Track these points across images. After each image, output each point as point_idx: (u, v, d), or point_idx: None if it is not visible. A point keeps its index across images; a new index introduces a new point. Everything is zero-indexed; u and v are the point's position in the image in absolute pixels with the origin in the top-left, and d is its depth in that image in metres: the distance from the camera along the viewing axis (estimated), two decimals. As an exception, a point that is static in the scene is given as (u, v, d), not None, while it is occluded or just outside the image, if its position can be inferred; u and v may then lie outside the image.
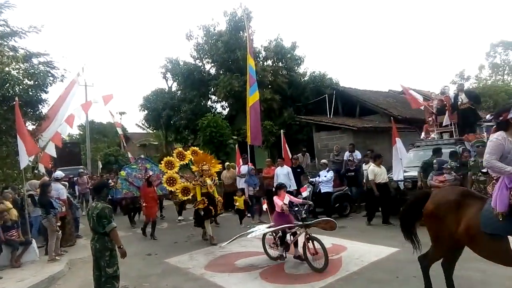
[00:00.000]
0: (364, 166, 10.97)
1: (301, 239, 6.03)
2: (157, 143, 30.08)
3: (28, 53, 9.44)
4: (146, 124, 26.87)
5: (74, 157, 22.12)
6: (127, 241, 8.42)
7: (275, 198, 6.28)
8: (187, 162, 8.70)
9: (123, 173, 10.87)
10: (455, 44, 67.66)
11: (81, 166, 20.65)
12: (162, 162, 8.73)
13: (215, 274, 6.01)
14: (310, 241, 5.77)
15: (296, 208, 6.25)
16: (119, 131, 20.61)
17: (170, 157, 8.79)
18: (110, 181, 12.50)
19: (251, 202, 10.49)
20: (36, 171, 11.66)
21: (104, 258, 4.51)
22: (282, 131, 13.40)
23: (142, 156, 11.78)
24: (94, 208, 4.60)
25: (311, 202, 6.56)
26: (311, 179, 10.57)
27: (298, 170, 11.10)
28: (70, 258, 7.62)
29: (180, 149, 8.78)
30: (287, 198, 6.31)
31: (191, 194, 8.30)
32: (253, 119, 11.26)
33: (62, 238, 8.23)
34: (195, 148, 9.06)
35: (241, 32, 18.80)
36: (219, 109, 21.94)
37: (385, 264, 5.84)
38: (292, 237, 6.21)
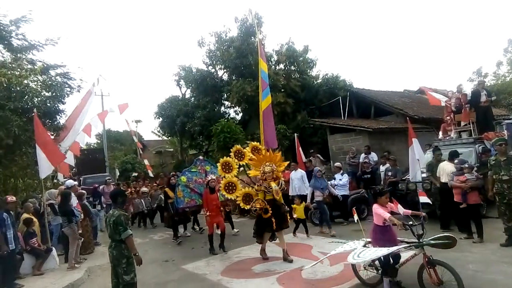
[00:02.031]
0: (382, 168, 10.81)
1: (405, 258, 4.77)
2: (172, 149, 30.39)
3: (45, 65, 9.68)
4: (161, 131, 27.22)
5: (98, 164, 21.65)
6: (144, 248, 8.54)
7: (376, 208, 4.81)
8: (246, 162, 7.15)
9: (183, 178, 9.26)
10: (472, 40, 66.32)
11: (107, 174, 19.90)
12: (218, 164, 7.20)
13: (232, 279, 5.98)
14: (432, 267, 4.42)
15: (411, 222, 4.58)
16: (135, 139, 20.91)
17: (227, 157, 7.19)
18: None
19: (320, 208, 8.98)
20: (55, 180, 11.91)
21: (121, 266, 4.55)
22: (296, 134, 13.34)
23: (201, 157, 10.02)
24: (111, 216, 4.66)
25: (424, 214, 4.91)
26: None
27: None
28: (89, 265, 7.72)
29: (239, 146, 7.24)
30: (401, 208, 4.94)
31: (257, 206, 6.77)
32: (266, 123, 11.23)
33: (82, 246, 8.38)
34: (256, 143, 7.42)
35: (252, 37, 18.91)
36: (232, 115, 22.12)
37: (405, 269, 5.69)
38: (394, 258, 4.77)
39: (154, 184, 13.29)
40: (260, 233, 6.94)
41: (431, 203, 7.79)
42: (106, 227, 4.81)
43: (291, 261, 6.55)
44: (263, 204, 6.64)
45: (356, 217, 5.88)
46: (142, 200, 12.24)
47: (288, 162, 8.20)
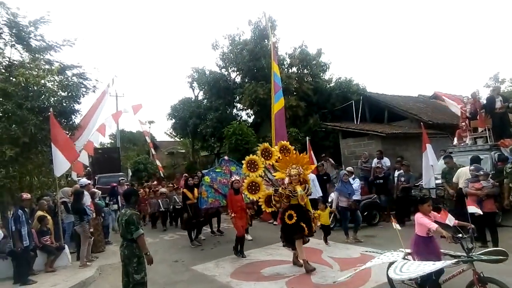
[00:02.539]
0: (395, 173, 10.68)
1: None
2: (184, 151, 30.60)
3: (62, 65, 9.83)
4: (173, 133, 27.45)
5: (113, 163, 20.78)
6: (154, 248, 8.59)
7: (420, 217, 4.46)
8: (272, 162, 6.75)
9: (207, 178, 8.96)
10: (489, 46, 65.09)
11: (121, 173, 19.39)
12: (243, 162, 6.80)
13: (241, 282, 5.98)
14: (483, 285, 4.04)
15: (460, 235, 4.22)
16: (148, 139, 21.09)
17: (253, 155, 6.85)
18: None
19: (343, 215, 8.43)
20: (69, 179, 12.11)
21: (132, 265, 4.59)
22: (307, 138, 13.29)
23: (226, 157, 9.77)
24: (123, 215, 4.72)
25: (473, 226, 4.43)
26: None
27: (325, 177, 10.93)
28: (100, 264, 7.82)
29: (267, 144, 6.83)
30: (451, 218, 4.43)
31: (277, 206, 6.48)
32: (278, 126, 11.22)
33: (93, 244, 8.49)
34: (285, 142, 6.96)
35: (266, 40, 18.95)
36: (244, 117, 22.14)
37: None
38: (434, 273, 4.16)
39: (170, 185, 13.28)
40: (290, 240, 6.42)
41: (481, 213, 7.45)
42: (118, 226, 4.87)
43: (312, 270, 6.08)
44: (291, 217, 6.19)
45: (396, 225, 5.21)
46: (159, 201, 12.13)
47: (315, 166, 7.83)
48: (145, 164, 23.98)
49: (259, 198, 6.57)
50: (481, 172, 6.98)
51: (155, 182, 14.60)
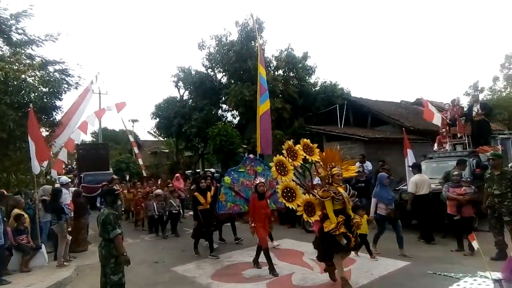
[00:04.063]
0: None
1: None
2: (168, 150, 30.36)
3: (44, 61, 9.66)
4: (157, 132, 27.18)
5: (102, 160, 19.40)
6: (134, 249, 8.48)
7: None
8: (299, 163, 5.76)
9: (227, 179, 7.83)
10: (469, 55, 66.98)
11: (110, 171, 18.25)
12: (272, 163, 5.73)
13: (222, 284, 5.95)
14: None
15: None
16: (131, 138, 20.78)
17: (280, 155, 5.70)
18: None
19: (380, 224, 7.27)
20: (48, 177, 11.83)
21: (109, 265, 4.51)
22: (292, 140, 13.35)
23: (251, 155, 8.46)
24: (101, 215, 4.65)
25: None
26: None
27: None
28: (78, 264, 7.65)
29: (290, 143, 5.87)
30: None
31: (318, 214, 5.32)
32: (263, 128, 11.24)
33: (75, 243, 8.30)
34: (307, 140, 6.03)
35: (252, 42, 19.01)
36: (229, 118, 22.16)
37: (394, 278, 5.70)
38: None
39: (170, 185, 12.02)
40: (329, 254, 5.26)
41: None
42: (98, 226, 4.78)
43: None
44: (341, 228, 4.98)
45: (476, 245, 4.38)
46: (154, 204, 10.40)
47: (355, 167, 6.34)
48: (127, 163, 23.69)
49: (298, 206, 5.36)
50: (464, 178, 7.21)
51: (151, 182, 14.15)
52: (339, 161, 5.71)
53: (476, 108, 10.53)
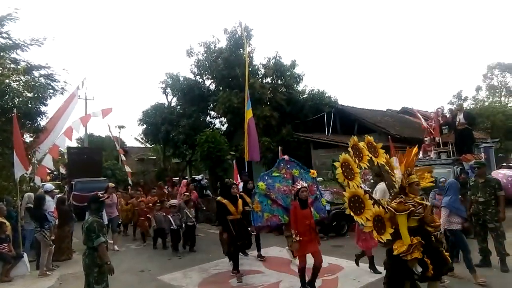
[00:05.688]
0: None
1: None
2: (155, 157, 30.06)
3: (29, 65, 9.51)
4: (144, 138, 26.90)
5: (94, 165, 18.21)
6: (119, 257, 8.33)
7: None
8: (365, 165, 4.61)
9: (262, 185, 6.69)
10: (453, 65, 68.63)
11: (104, 178, 17.05)
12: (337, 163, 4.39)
13: (209, 292, 5.88)
14: None
15: None
16: (117, 145, 20.49)
17: (346, 154, 4.49)
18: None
19: (457, 240, 5.99)
20: (31, 184, 11.56)
21: (93, 274, 4.42)
22: (280, 148, 13.41)
23: (286, 156, 7.36)
24: (85, 222, 4.57)
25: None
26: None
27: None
28: (61, 273, 7.47)
29: (355, 139, 4.68)
30: None
31: (390, 232, 4.09)
32: (250, 134, 11.27)
33: (58, 251, 8.09)
34: (370, 138, 4.93)
35: (241, 49, 19.10)
36: (217, 125, 22.14)
37: (381, 285, 5.72)
38: None
39: (186, 193, 10.38)
40: (398, 283, 4.16)
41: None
42: (82, 234, 4.69)
43: None
44: (418, 250, 3.92)
45: None
46: (170, 217, 9.08)
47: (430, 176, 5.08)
48: (113, 170, 23.31)
49: (367, 219, 4.10)
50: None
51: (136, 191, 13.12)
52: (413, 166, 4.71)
53: (459, 117, 10.77)
